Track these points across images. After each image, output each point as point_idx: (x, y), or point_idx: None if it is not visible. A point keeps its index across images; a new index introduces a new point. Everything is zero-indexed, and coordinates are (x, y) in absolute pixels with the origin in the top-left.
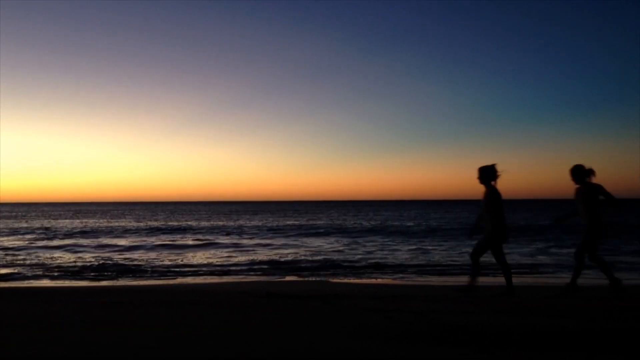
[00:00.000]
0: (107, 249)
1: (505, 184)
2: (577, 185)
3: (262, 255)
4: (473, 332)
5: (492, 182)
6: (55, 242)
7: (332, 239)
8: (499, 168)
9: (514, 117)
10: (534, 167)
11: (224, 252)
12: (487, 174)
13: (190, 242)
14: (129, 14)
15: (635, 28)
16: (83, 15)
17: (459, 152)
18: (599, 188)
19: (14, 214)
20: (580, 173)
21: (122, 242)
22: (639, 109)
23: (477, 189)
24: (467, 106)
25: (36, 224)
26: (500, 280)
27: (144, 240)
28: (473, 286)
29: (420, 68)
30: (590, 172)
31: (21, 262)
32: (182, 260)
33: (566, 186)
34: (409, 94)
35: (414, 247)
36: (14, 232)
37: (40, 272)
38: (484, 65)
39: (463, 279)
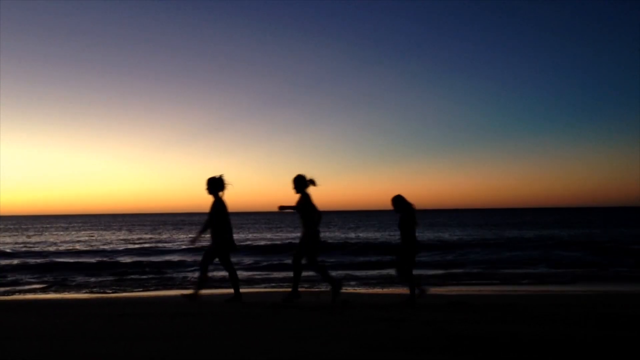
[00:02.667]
0: (113, 261)
1: (504, 192)
2: (298, 195)
3: (269, 267)
4: (481, 341)
5: (220, 193)
6: (66, 256)
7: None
8: (226, 179)
9: (515, 125)
10: (536, 175)
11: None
12: (215, 185)
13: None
14: (133, 26)
15: (636, 35)
16: (87, 26)
17: (460, 160)
18: (310, 199)
19: (25, 226)
20: (301, 183)
21: (124, 254)
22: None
23: (479, 197)
24: (468, 115)
25: (51, 237)
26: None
27: (147, 253)
28: (196, 295)
29: (421, 77)
30: (311, 182)
31: (29, 273)
32: (184, 272)
33: (566, 194)
34: (411, 103)
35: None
36: (23, 244)
37: (48, 285)
38: (485, 73)
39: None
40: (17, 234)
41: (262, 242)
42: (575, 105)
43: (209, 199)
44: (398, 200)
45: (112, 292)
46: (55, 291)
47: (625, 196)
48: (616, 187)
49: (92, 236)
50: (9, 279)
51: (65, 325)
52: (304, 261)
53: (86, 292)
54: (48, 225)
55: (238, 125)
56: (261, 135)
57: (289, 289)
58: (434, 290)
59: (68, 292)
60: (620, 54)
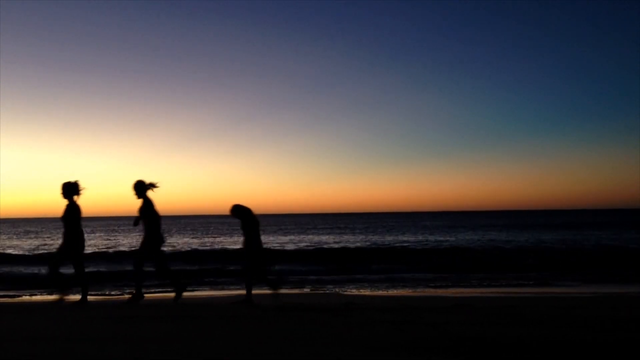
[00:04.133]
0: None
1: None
2: (140, 200)
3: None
4: (484, 343)
5: (75, 197)
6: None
7: None
8: (81, 184)
9: (517, 127)
10: (538, 177)
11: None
12: (69, 189)
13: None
14: (134, 28)
15: (636, 35)
16: (88, 29)
17: (462, 163)
18: (152, 204)
19: (28, 229)
20: (141, 188)
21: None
22: None
23: (482, 199)
24: (470, 117)
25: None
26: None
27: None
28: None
29: (423, 79)
30: (151, 186)
31: (35, 275)
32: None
33: (569, 196)
34: (414, 105)
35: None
36: (37, 248)
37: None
38: (487, 75)
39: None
40: (18, 236)
41: (269, 245)
42: (577, 107)
43: (230, 202)
44: (236, 209)
45: (118, 294)
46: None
47: (630, 198)
48: (620, 188)
49: (102, 238)
50: (15, 282)
51: (70, 327)
52: (152, 267)
53: (91, 294)
54: (53, 228)
55: (240, 127)
56: (263, 137)
57: (305, 290)
58: (439, 292)
59: (73, 294)
60: (621, 55)
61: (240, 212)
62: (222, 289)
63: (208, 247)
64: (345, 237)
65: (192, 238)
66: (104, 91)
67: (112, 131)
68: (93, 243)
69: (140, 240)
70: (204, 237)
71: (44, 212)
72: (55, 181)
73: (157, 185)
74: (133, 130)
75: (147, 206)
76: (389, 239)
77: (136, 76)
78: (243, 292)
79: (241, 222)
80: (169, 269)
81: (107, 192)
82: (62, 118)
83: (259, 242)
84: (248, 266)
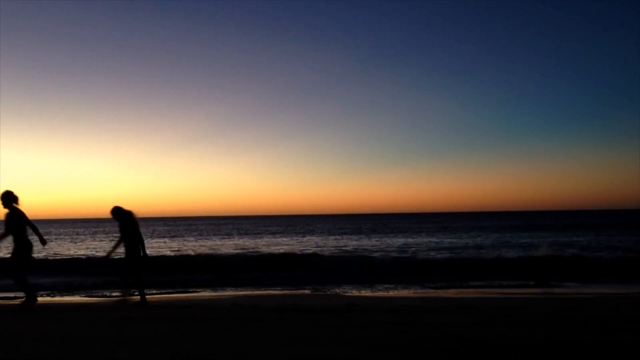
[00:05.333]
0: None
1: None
2: (6, 210)
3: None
4: (485, 344)
5: (14, 204)
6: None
7: None
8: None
9: (517, 127)
10: (537, 177)
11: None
12: (9, 198)
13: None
14: (133, 30)
15: (636, 36)
16: (87, 30)
17: (462, 164)
18: (22, 214)
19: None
20: (8, 199)
21: None
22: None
23: (482, 200)
24: (469, 118)
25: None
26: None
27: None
28: None
29: (422, 80)
30: (16, 198)
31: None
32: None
33: (568, 197)
34: (413, 107)
35: None
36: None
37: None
38: (486, 76)
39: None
40: None
41: (271, 248)
42: (577, 107)
43: (230, 202)
44: (115, 211)
45: (119, 296)
46: (62, 295)
47: (630, 198)
48: (620, 188)
49: (102, 240)
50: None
51: (73, 328)
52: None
53: (93, 296)
54: (52, 230)
55: (239, 129)
56: (262, 139)
57: (306, 292)
58: (440, 293)
59: (75, 295)
60: (621, 55)
61: (119, 214)
62: (224, 290)
63: (211, 252)
64: (344, 240)
65: (196, 240)
66: (101, 93)
67: (110, 133)
68: (99, 245)
69: (12, 249)
70: (206, 240)
71: (44, 214)
72: (55, 182)
73: (19, 201)
74: (131, 132)
75: (14, 216)
76: (388, 240)
77: (134, 78)
78: (238, 293)
79: (120, 225)
80: (25, 279)
81: (105, 194)
82: (59, 119)
83: (137, 248)
84: (132, 271)
